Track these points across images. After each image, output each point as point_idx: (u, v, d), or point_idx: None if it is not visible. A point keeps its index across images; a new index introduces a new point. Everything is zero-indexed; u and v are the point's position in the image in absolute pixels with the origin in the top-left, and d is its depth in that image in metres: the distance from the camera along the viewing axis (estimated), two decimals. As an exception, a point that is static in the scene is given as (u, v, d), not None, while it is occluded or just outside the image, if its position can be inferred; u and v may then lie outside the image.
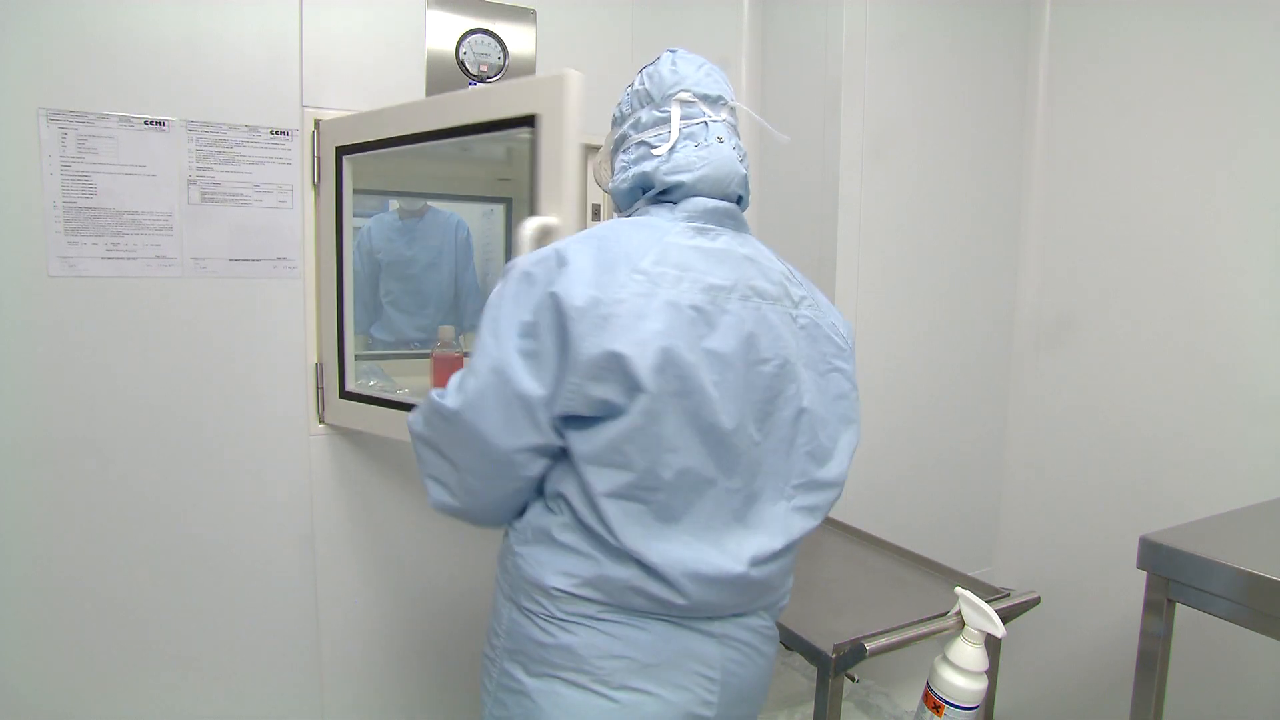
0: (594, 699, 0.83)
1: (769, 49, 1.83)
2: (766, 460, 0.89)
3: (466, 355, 1.92)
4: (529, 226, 1.03)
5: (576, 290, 0.77)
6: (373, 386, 1.47)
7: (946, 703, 1.09)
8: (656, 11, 1.72)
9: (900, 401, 1.77)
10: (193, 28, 1.31)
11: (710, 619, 0.88)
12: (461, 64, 1.53)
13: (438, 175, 2.06)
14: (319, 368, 1.47)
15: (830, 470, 0.98)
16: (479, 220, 2.56)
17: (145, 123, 1.30)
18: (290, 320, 1.44)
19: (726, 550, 0.85)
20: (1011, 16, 1.83)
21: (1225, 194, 1.50)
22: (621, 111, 0.97)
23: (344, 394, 1.45)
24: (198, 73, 1.32)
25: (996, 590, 1.25)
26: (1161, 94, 1.60)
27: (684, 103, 0.89)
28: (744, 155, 0.92)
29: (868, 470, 1.74)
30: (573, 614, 0.84)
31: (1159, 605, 1.06)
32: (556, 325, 0.78)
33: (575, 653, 0.83)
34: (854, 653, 1.05)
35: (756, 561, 0.86)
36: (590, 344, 0.77)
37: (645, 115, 0.91)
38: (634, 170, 0.91)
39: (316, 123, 1.42)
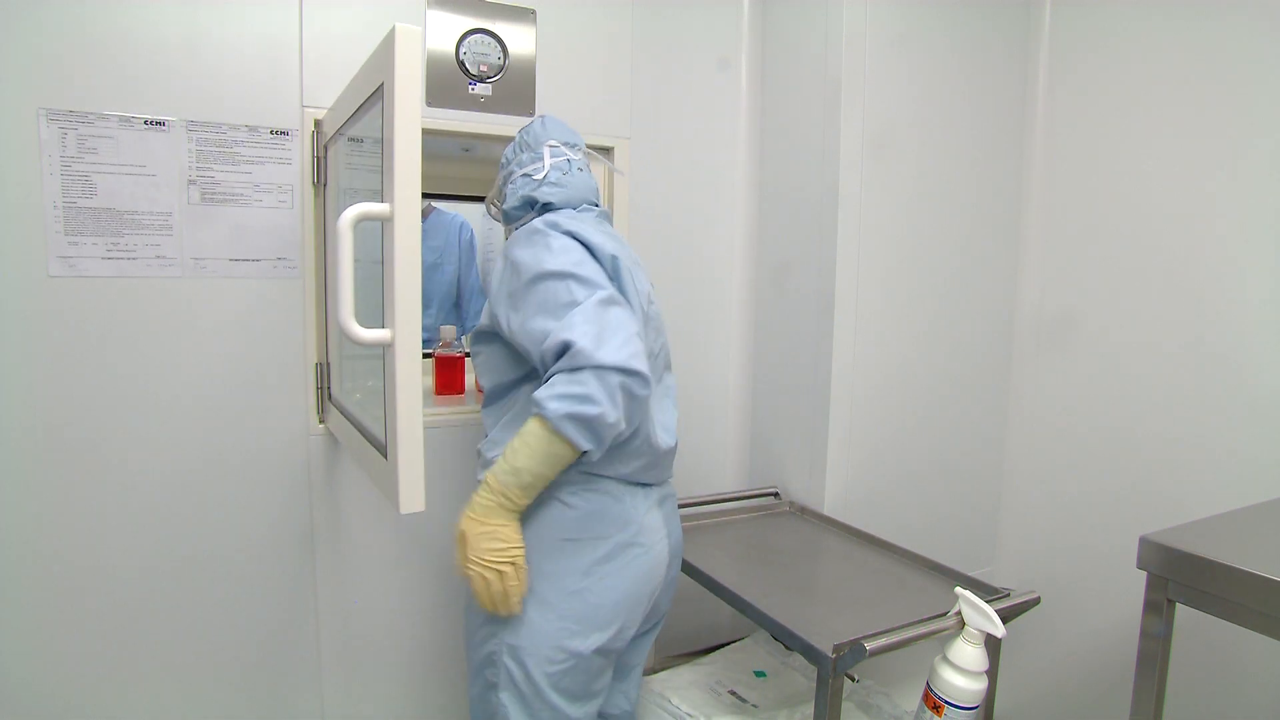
0: None
1: (769, 49, 1.83)
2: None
3: (468, 355, 1.92)
4: (347, 216, 0.94)
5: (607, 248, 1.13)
6: (370, 387, 1.47)
7: (946, 703, 1.09)
8: (656, 11, 1.72)
9: (900, 401, 1.77)
10: (193, 28, 1.31)
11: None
12: (461, 64, 1.53)
13: (439, 175, 2.06)
14: (319, 368, 1.47)
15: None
16: (480, 220, 2.56)
17: (145, 123, 1.30)
18: (290, 320, 1.44)
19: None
20: (1011, 16, 1.83)
21: (1225, 193, 1.50)
22: (506, 158, 1.30)
23: (330, 398, 1.45)
24: (198, 73, 1.33)
25: (996, 590, 1.25)
26: (1161, 93, 1.60)
27: (551, 147, 1.26)
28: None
29: (868, 470, 1.74)
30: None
31: (1159, 605, 1.06)
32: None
33: None
34: (854, 653, 1.05)
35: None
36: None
37: (525, 156, 1.27)
38: (522, 193, 1.25)
39: (316, 123, 1.42)
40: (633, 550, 1.14)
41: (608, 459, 1.12)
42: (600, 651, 1.12)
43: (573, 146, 1.28)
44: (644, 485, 1.18)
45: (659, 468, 1.20)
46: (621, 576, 1.13)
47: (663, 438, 1.18)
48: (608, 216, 1.31)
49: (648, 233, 1.76)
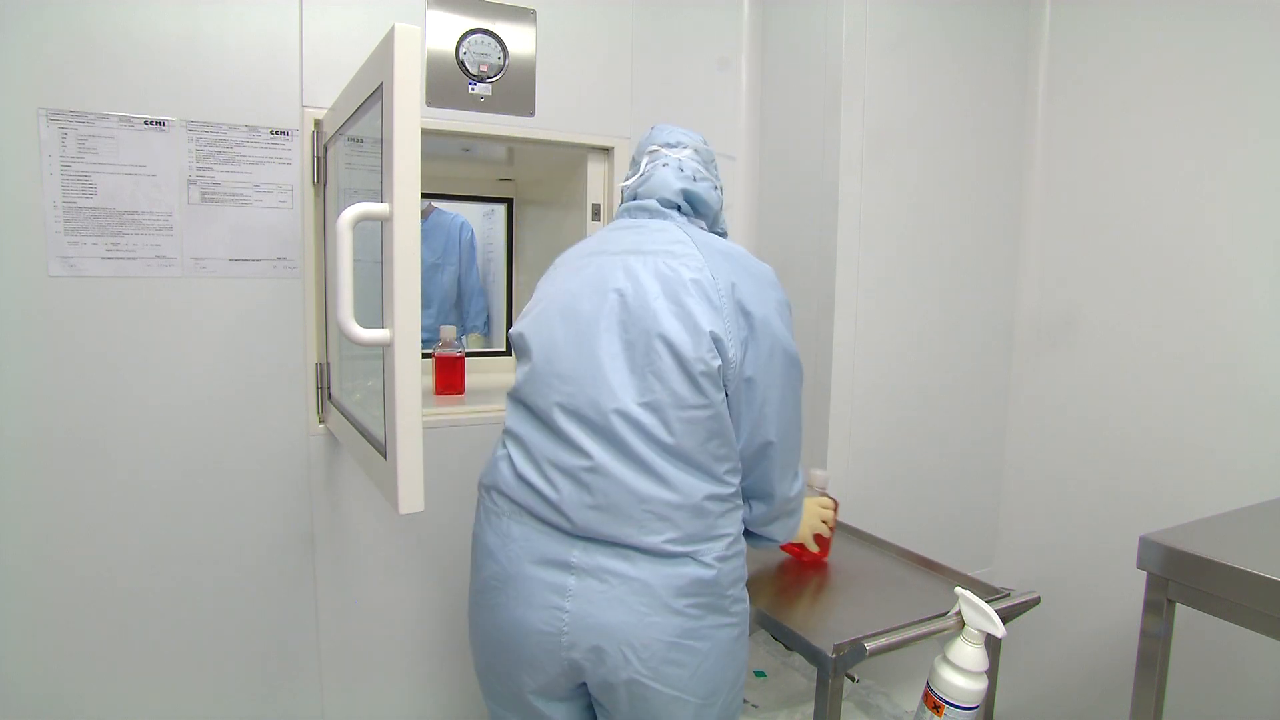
0: None
1: (769, 49, 1.83)
2: None
3: (468, 355, 1.92)
4: (346, 216, 0.92)
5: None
6: (370, 387, 1.47)
7: (946, 703, 1.09)
8: (656, 11, 1.72)
9: (900, 401, 1.77)
10: (193, 28, 1.31)
11: None
12: (461, 64, 1.53)
13: (440, 175, 2.06)
14: (319, 368, 1.47)
15: None
16: (480, 220, 2.56)
17: (145, 123, 1.30)
18: (290, 320, 1.44)
19: None
20: (1011, 16, 1.83)
21: (1225, 193, 1.50)
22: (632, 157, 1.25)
23: (330, 398, 1.45)
24: (198, 73, 1.33)
25: (996, 590, 1.25)
26: (1161, 93, 1.60)
27: (650, 152, 1.18)
28: (687, 175, 1.16)
29: (868, 470, 1.74)
30: None
31: (1159, 605, 1.06)
32: None
33: None
34: (854, 653, 1.05)
35: None
36: None
37: (630, 170, 1.22)
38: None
39: (316, 123, 1.42)
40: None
41: None
42: (482, 682, 1.14)
43: (675, 146, 1.18)
44: None
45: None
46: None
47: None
48: (645, 210, 1.14)
49: (648, 233, 1.76)
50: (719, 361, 0.98)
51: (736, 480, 1.05)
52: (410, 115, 0.91)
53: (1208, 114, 1.52)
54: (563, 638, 0.98)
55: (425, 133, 1.31)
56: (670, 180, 1.13)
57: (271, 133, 1.39)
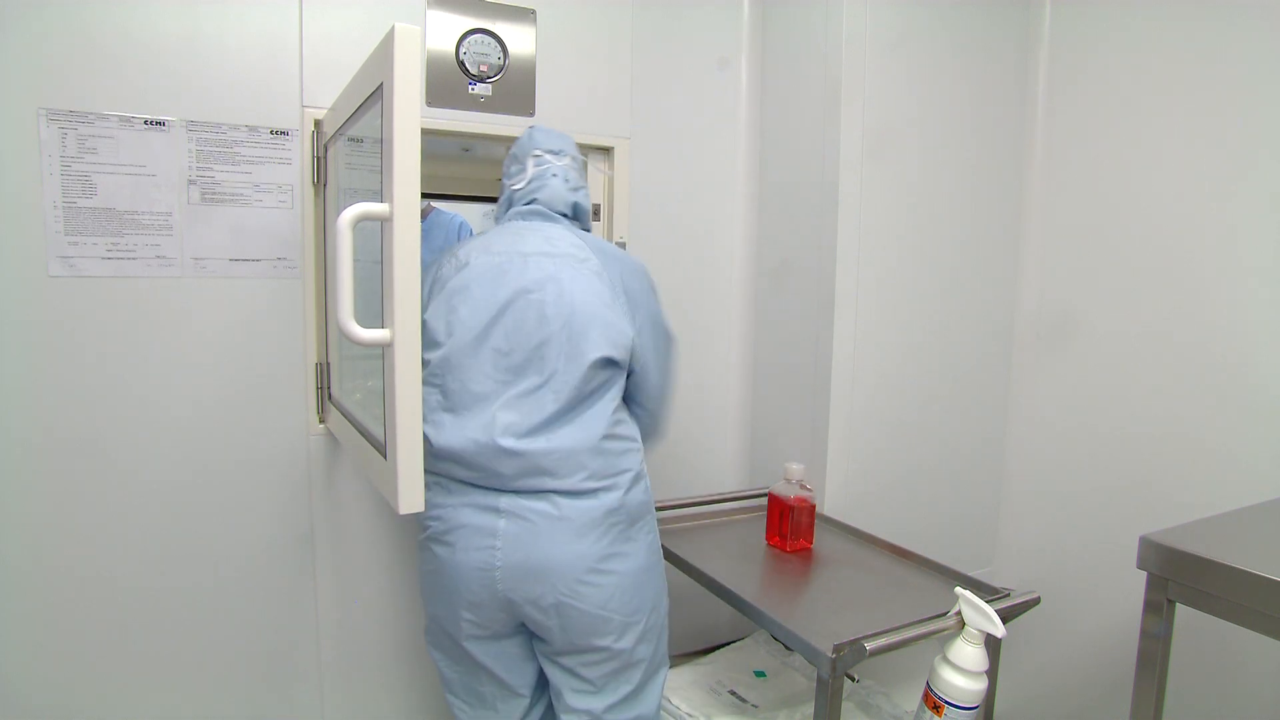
0: None
1: (769, 49, 1.83)
2: None
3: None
4: (346, 216, 0.93)
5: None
6: (370, 387, 1.47)
7: (946, 703, 1.09)
8: (656, 11, 1.72)
9: (900, 401, 1.77)
10: (193, 28, 1.31)
11: None
12: (461, 64, 1.53)
13: (439, 175, 2.06)
14: (319, 368, 1.47)
15: None
16: (480, 220, 2.57)
17: (145, 123, 1.30)
18: (290, 320, 1.44)
19: None
20: (1011, 16, 1.83)
21: (1225, 193, 1.50)
22: (503, 173, 1.38)
23: (330, 398, 1.45)
24: (198, 73, 1.33)
25: (996, 590, 1.25)
26: (1161, 93, 1.60)
27: (535, 156, 1.32)
28: (572, 186, 1.33)
29: (868, 470, 1.74)
30: None
31: (1159, 605, 1.06)
32: None
33: None
34: (854, 653, 1.05)
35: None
36: None
37: (514, 169, 1.34)
38: (504, 203, 1.35)
39: (316, 123, 1.42)
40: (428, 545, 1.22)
41: None
42: (427, 632, 1.30)
43: (558, 154, 1.33)
44: (462, 484, 1.18)
45: (464, 468, 1.16)
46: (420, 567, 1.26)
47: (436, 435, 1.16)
48: (539, 214, 1.29)
49: (647, 233, 1.76)
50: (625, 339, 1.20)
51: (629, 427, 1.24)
52: (410, 115, 0.91)
53: (1208, 114, 1.52)
54: (496, 572, 1.14)
55: (425, 133, 1.31)
56: (562, 193, 1.31)
57: (271, 133, 1.39)
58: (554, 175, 1.31)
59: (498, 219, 1.36)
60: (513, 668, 1.25)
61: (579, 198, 1.33)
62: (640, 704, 1.23)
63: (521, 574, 1.13)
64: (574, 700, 1.21)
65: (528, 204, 1.30)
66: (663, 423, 1.37)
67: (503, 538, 1.14)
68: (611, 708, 1.20)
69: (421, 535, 1.23)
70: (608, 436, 1.17)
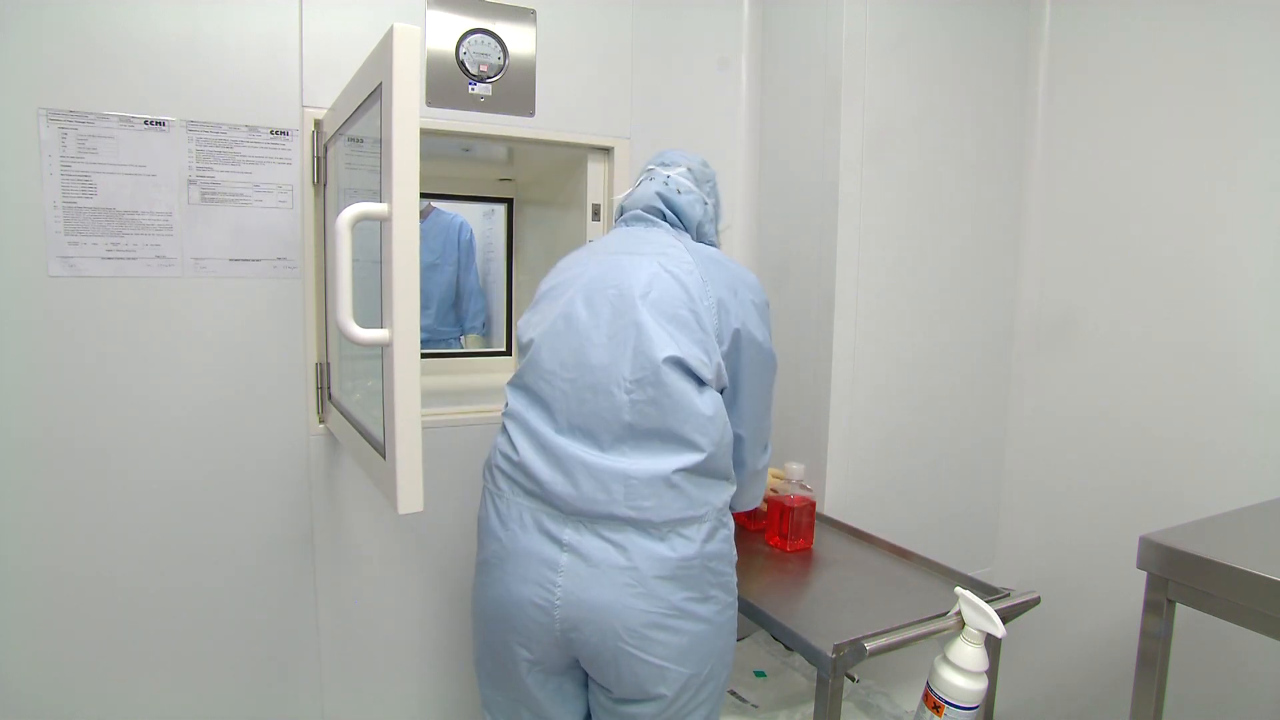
0: None
1: (769, 49, 1.83)
2: None
3: (467, 355, 1.91)
4: (345, 216, 0.93)
5: None
6: (370, 387, 1.47)
7: (946, 703, 1.09)
8: (656, 11, 1.72)
9: (900, 401, 1.77)
10: (193, 28, 1.31)
11: None
12: (461, 64, 1.53)
13: (439, 175, 2.06)
14: (319, 368, 1.47)
15: None
16: (480, 220, 2.56)
17: (145, 123, 1.30)
18: (290, 320, 1.44)
19: None
20: (1011, 16, 1.83)
21: (1225, 193, 1.50)
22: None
23: (330, 398, 1.45)
24: (198, 73, 1.33)
25: (996, 590, 1.25)
26: (1161, 93, 1.60)
27: (648, 170, 1.33)
28: (671, 189, 1.29)
29: (868, 470, 1.74)
30: None
31: (1159, 605, 1.06)
32: None
33: None
34: (854, 653, 1.05)
35: None
36: None
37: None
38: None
39: (316, 123, 1.42)
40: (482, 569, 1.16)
41: None
42: (477, 663, 1.23)
43: (667, 165, 1.33)
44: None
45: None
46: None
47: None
48: (639, 220, 1.28)
49: (648, 233, 1.76)
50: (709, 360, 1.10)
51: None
52: (409, 115, 0.91)
53: (1208, 113, 1.52)
54: (555, 611, 1.05)
55: (425, 133, 1.32)
56: (648, 193, 1.29)
57: (271, 133, 1.39)
58: (651, 180, 1.30)
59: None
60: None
61: (675, 197, 1.27)
62: None
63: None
64: None
65: (621, 212, 1.32)
66: (756, 461, 1.27)
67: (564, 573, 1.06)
68: None
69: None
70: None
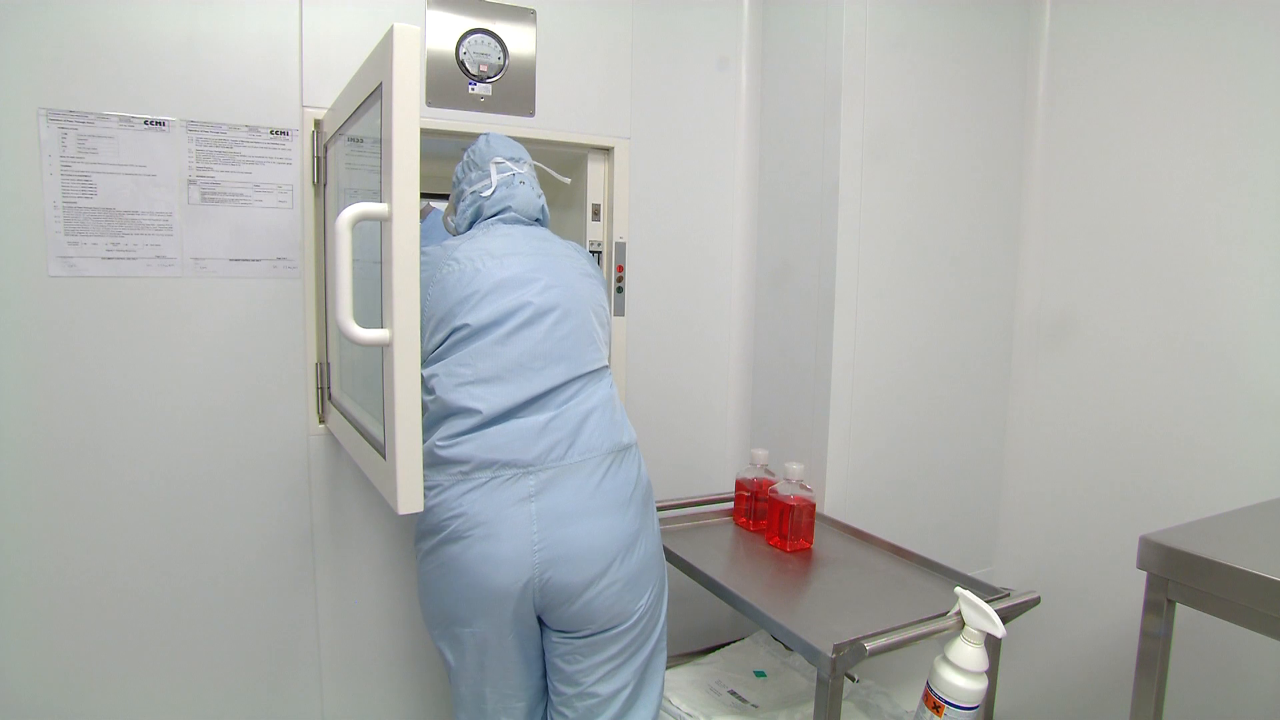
0: None
1: (769, 49, 1.83)
2: None
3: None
4: (345, 216, 0.93)
5: None
6: (370, 387, 1.47)
7: (946, 703, 1.09)
8: (656, 11, 1.72)
9: (900, 402, 1.77)
10: (193, 28, 1.32)
11: None
12: (461, 64, 1.53)
13: (440, 175, 2.06)
14: (319, 368, 1.47)
15: None
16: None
17: (145, 123, 1.30)
18: (290, 320, 1.44)
19: None
20: (1011, 16, 1.83)
21: (1225, 193, 1.50)
22: (456, 177, 1.39)
23: (330, 398, 1.45)
24: (198, 73, 1.33)
25: (996, 590, 1.25)
26: (1161, 94, 1.60)
27: (497, 163, 1.34)
28: (538, 192, 1.38)
29: (868, 470, 1.74)
30: None
31: (1159, 605, 1.06)
32: None
33: None
34: (854, 653, 1.05)
35: None
36: None
37: (474, 174, 1.35)
38: (471, 209, 1.35)
39: (316, 123, 1.42)
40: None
41: None
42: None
43: (517, 161, 1.36)
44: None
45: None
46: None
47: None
48: (520, 220, 1.34)
49: (648, 233, 1.76)
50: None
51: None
52: (409, 115, 0.91)
53: (1207, 114, 1.52)
54: (536, 555, 1.13)
55: (425, 133, 1.32)
56: (534, 199, 1.35)
57: (271, 133, 1.39)
58: (521, 182, 1.34)
59: (459, 228, 1.37)
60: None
61: (544, 203, 1.39)
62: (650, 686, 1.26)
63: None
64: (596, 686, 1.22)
65: (499, 211, 1.32)
66: None
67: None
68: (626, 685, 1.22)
69: None
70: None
